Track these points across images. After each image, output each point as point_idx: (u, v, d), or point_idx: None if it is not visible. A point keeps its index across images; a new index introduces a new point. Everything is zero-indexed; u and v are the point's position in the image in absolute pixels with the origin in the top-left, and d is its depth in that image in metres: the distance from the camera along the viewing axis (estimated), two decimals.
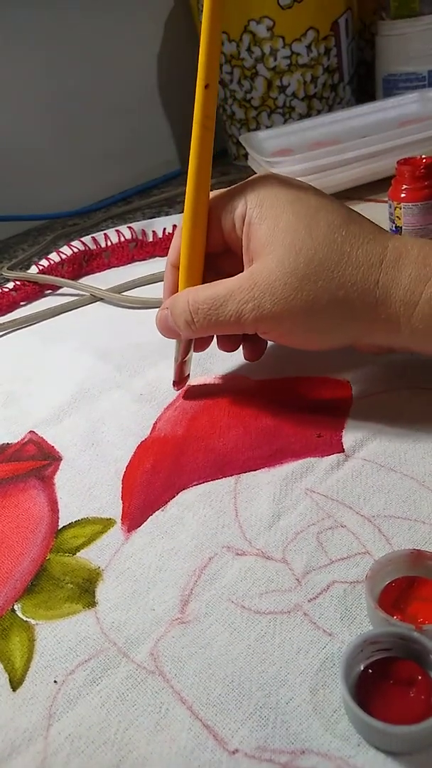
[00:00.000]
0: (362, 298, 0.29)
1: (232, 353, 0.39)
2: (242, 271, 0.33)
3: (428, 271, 0.28)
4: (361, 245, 0.29)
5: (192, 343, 0.37)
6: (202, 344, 0.38)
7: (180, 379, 0.38)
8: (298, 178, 0.64)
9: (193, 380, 0.39)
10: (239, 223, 0.32)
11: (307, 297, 0.29)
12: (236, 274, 0.35)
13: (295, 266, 0.30)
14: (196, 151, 0.32)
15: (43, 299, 0.57)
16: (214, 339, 0.38)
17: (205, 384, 0.39)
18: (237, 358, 0.40)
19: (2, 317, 0.54)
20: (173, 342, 0.36)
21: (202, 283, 0.34)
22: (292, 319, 0.30)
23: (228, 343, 0.38)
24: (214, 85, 0.31)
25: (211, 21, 0.30)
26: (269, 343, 0.39)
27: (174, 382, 0.38)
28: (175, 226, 0.63)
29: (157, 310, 0.36)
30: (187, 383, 0.38)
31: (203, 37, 0.30)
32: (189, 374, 0.38)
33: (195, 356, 0.41)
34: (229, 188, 0.34)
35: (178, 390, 0.38)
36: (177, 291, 0.35)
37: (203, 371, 0.40)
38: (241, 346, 0.38)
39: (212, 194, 0.34)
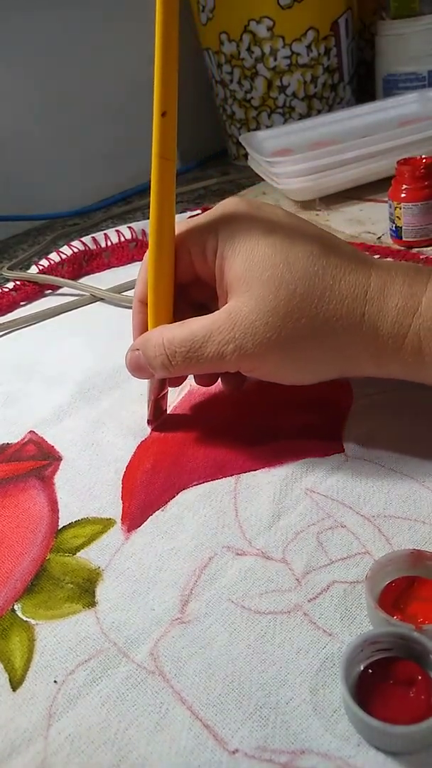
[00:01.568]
0: (348, 332, 0.28)
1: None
2: (214, 298, 0.32)
3: (415, 302, 0.27)
4: (344, 276, 0.28)
5: (166, 380, 0.35)
6: (177, 380, 0.37)
7: (155, 416, 0.36)
8: (298, 179, 0.65)
9: (193, 380, 0.39)
10: (211, 256, 0.31)
11: (290, 336, 0.28)
12: (207, 302, 0.33)
13: (275, 304, 0.28)
14: (156, 184, 0.30)
15: (43, 299, 0.57)
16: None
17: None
18: None
19: (2, 317, 0.54)
20: None
21: (173, 314, 0.33)
22: (276, 358, 0.29)
23: (205, 379, 0.36)
24: (172, 112, 0.29)
25: (164, 44, 0.28)
26: None
27: (148, 420, 0.36)
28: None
29: None
30: (164, 416, 0.37)
31: (156, 61, 0.28)
32: (166, 409, 0.37)
33: None
34: (197, 218, 0.32)
35: (153, 429, 0.36)
36: (146, 329, 0.33)
37: None
38: (219, 380, 0.37)
39: (181, 224, 0.32)
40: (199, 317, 0.30)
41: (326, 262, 0.28)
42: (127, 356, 0.34)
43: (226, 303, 0.30)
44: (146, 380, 0.35)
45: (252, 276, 0.29)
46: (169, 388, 0.37)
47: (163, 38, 0.28)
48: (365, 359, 0.29)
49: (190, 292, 0.34)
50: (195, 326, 0.30)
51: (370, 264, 0.29)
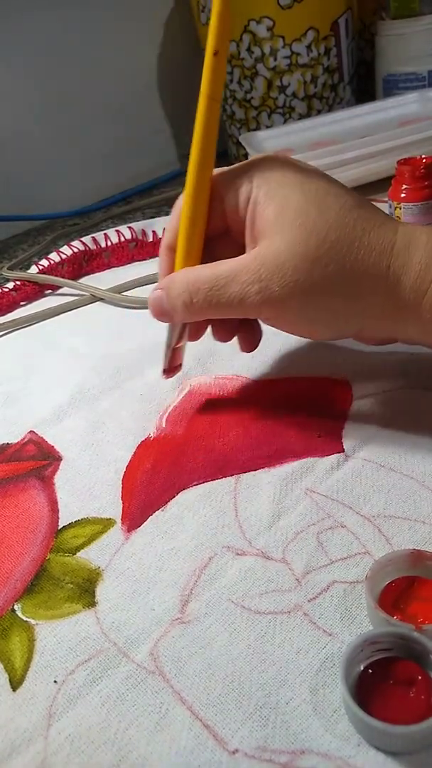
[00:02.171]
0: (373, 283, 0.28)
1: (231, 355, 0.39)
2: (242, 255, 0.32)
3: None
4: (373, 228, 0.28)
5: (186, 328, 0.35)
6: (196, 332, 0.36)
7: (171, 367, 0.36)
8: None
9: (193, 380, 0.39)
10: (243, 202, 0.31)
11: (317, 281, 0.28)
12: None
13: (306, 248, 0.28)
14: (201, 124, 0.30)
15: (43, 299, 0.57)
16: (208, 329, 0.37)
17: (205, 384, 0.39)
18: (237, 358, 0.40)
19: (2, 317, 0.54)
20: None
21: (200, 258, 0.33)
22: (299, 304, 0.29)
23: (223, 332, 0.36)
24: (223, 52, 0.29)
25: None
26: (269, 341, 0.38)
27: (164, 369, 0.36)
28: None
29: None
30: (179, 372, 0.37)
31: (214, 4, 0.29)
32: (182, 363, 0.37)
33: (195, 356, 0.41)
34: (231, 167, 0.32)
35: (167, 378, 0.37)
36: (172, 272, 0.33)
37: (203, 371, 0.40)
38: (236, 338, 0.37)
39: (214, 172, 0.32)
40: (227, 260, 0.30)
41: (357, 215, 0.29)
42: (151, 296, 0.33)
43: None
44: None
45: (284, 221, 0.29)
46: (182, 359, 0.37)
47: None
48: (385, 313, 0.29)
49: (216, 248, 0.34)
50: (222, 266, 0.30)
51: (397, 222, 0.30)
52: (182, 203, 0.32)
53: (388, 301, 0.28)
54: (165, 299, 0.32)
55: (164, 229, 0.34)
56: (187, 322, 0.34)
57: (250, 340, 0.37)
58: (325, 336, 0.31)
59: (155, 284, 0.33)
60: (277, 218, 0.29)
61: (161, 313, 0.33)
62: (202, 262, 0.33)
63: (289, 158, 0.32)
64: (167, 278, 0.33)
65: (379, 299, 0.29)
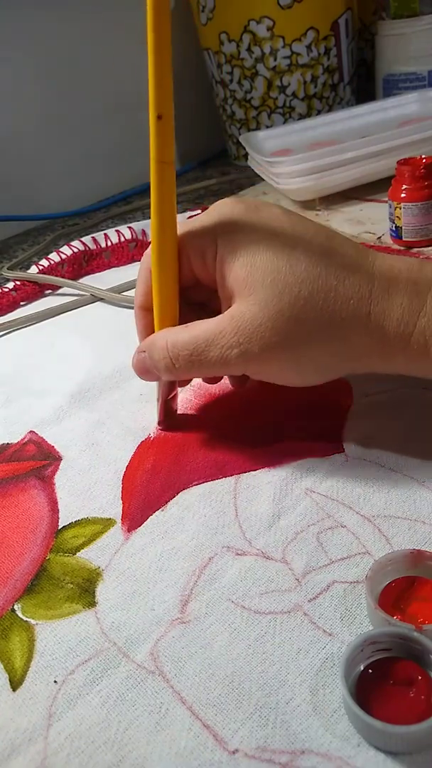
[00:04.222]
0: (354, 332, 0.28)
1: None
2: (215, 299, 0.32)
3: (419, 301, 0.27)
4: (347, 276, 0.28)
5: (176, 382, 0.35)
6: (185, 380, 0.37)
7: (166, 416, 0.35)
8: (298, 179, 0.65)
9: (193, 380, 0.39)
10: (210, 261, 0.30)
11: (296, 338, 0.28)
12: (208, 302, 0.33)
13: (279, 308, 0.28)
14: (156, 189, 0.30)
15: (43, 299, 0.57)
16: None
17: (206, 384, 0.39)
18: None
19: (2, 317, 0.54)
20: None
21: (178, 317, 0.33)
22: (282, 362, 0.29)
23: (211, 378, 0.37)
24: (168, 114, 0.28)
25: (157, 44, 0.27)
26: None
27: (159, 421, 0.35)
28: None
29: None
30: (175, 419, 0.36)
31: (150, 62, 0.27)
32: (177, 409, 0.36)
33: None
34: (194, 223, 0.31)
35: (164, 429, 0.36)
36: (151, 332, 0.33)
37: None
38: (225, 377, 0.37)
39: (179, 227, 0.32)
40: (204, 320, 0.30)
41: (329, 263, 0.28)
42: (134, 359, 0.34)
43: (230, 306, 0.30)
44: (153, 382, 0.34)
45: (254, 280, 0.28)
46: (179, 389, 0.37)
47: (155, 41, 0.27)
48: (372, 358, 0.29)
49: (191, 293, 0.34)
50: (198, 330, 0.30)
51: (372, 260, 0.29)
52: (151, 269, 0.31)
53: (374, 347, 0.28)
54: (148, 361, 0.32)
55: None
56: (173, 380, 0.34)
57: (239, 380, 0.36)
58: (315, 383, 0.31)
59: (134, 346, 0.34)
60: (247, 278, 0.29)
61: (146, 374, 0.33)
62: (180, 310, 0.32)
63: (251, 205, 0.31)
64: (148, 340, 0.32)
65: (364, 346, 0.28)
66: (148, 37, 0.27)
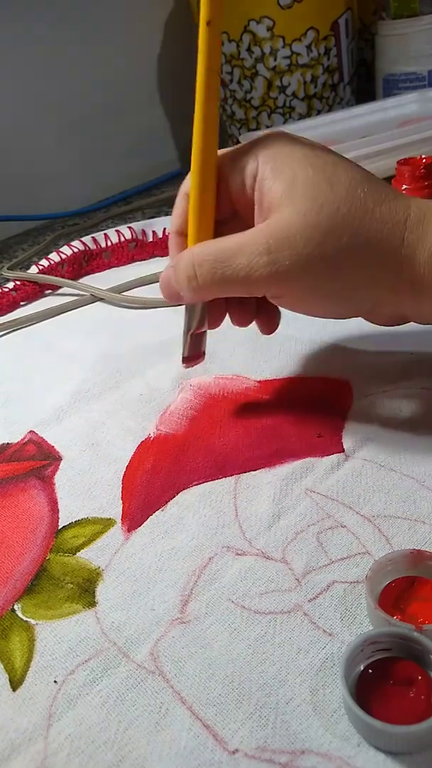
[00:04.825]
0: (388, 256, 0.27)
1: (231, 355, 0.38)
2: None
3: None
4: (385, 201, 0.28)
5: (205, 312, 0.33)
6: (214, 319, 0.35)
7: (191, 354, 0.34)
8: None
9: (193, 380, 0.39)
10: (250, 181, 0.30)
11: (330, 254, 0.27)
12: None
13: (317, 220, 0.27)
14: (202, 98, 0.29)
15: (43, 299, 0.57)
16: (226, 319, 0.35)
17: (205, 384, 0.39)
18: (237, 358, 0.40)
19: (2, 317, 0.54)
20: (174, 342, 0.36)
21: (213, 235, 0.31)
22: (311, 279, 0.28)
23: (241, 316, 0.35)
24: (216, 21, 0.28)
25: None
26: (269, 341, 0.38)
27: (184, 357, 0.34)
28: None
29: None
30: (202, 362, 0.35)
31: None
32: (204, 351, 0.35)
33: None
34: (236, 146, 0.31)
35: (187, 367, 0.35)
36: None
37: (203, 371, 0.40)
38: (254, 322, 0.35)
39: (218, 153, 0.31)
40: (234, 234, 0.29)
41: (368, 187, 0.28)
42: (161, 276, 0.32)
43: None
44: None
45: (294, 195, 0.28)
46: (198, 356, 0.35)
47: None
48: (399, 288, 0.28)
49: (226, 232, 0.32)
50: (227, 240, 0.29)
51: (409, 197, 0.29)
52: (190, 186, 0.31)
53: (402, 275, 0.28)
54: (173, 277, 0.31)
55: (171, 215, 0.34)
56: (195, 301, 0.33)
57: (269, 322, 0.35)
58: (336, 313, 0.30)
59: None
60: (286, 192, 0.28)
61: (169, 292, 0.32)
62: None
63: (294, 135, 0.31)
64: (178, 255, 0.31)
65: (393, 273, 0.28)
66: None
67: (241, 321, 0.35)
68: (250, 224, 0.30)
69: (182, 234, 0.32)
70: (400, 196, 0.28)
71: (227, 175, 0.31)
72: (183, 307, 0.34)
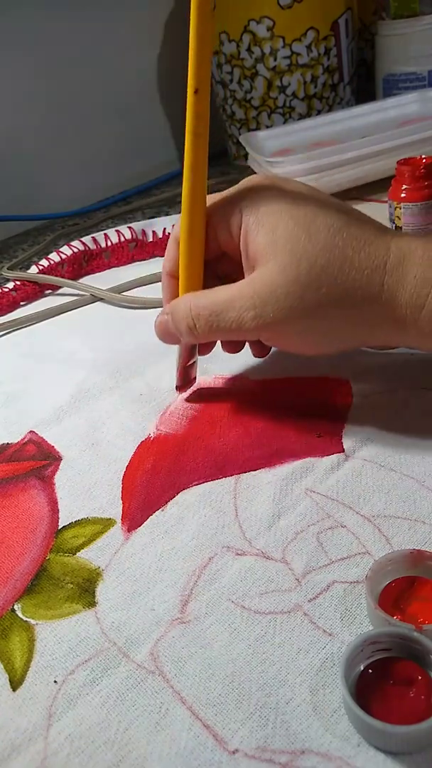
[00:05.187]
0: (368, 302, 0.29)
1: (231, 356, 0.39)
2: (240, 273, 0.33)
3: None
4: (363, 248, 0.29)
5: (196, 347, 0.36)
6: (205, 348, 0.38)
7: (184, 383, 0.37)
8: (298, 179, 0.65)
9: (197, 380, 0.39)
10: (236, 230, 0.32)
11: (310, 305, 0.29)
12: (234, 275, 0.34)
13: (296, 274, 0.29)
14: (190, 160, 0.31)
15: (43, 299, 0.57)
16: (218, 342, 0.38)
17: (205, 384, 0.39)
18: (237, 358, 0.40)
19: (2, 317, 0.54)
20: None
21: (202, 283, 0.34)
22: (296, 327, 0.30)
23: (231, 346, 0.38)
24: (204, 89, 0.30)
25: (200, 19, 0.28)
26: None
27: (177, 386, 0.37)
28: (169, 233, 0.63)
29: (157, 309, 0.36)
30: (193, 387, 0.38)
31: (191, 37, 0.29)
32: (195, 377, 0.38)
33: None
34: (222, 195, 0.33)
35: (180, 393, 0.38)
36: (176, 297, 0.34)
37: (203, 371, 0.40)
38: (247, 345, 0.38)
39: (207, 201, 0.33)
40: (225, 286, 0.31)
41: (347, 234, 0.29)
42: (157, 320, 0.35)
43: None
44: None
45: (275, 248, 0.30)
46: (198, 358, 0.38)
47: (198, 14, 0.28)
48: (384, 329, 0.29)
49: (217, 266, 0.35)
50: (220, 293, 0.31)
51: (390, 236, 0.30)
52: (180, 236, 0.33)
53: (386, 316, 0.29)
54: (170, 323, 0.34)
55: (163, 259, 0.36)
56: (193, 343, 0.35)
57: (261, 348, 0.38)
58: (328, 352, 0.32)
59: (159, 310, 0.35)
60: (267, 245, 0.30)
61: (168, 336, 0.35)
62: (205, 282, 0.34)
63: (280, 180, 0.32)
64: (172, 303, 0.34)
65: (376, 317, 0.29)
66: (192, 11, 0.28)
67: (231, 349, 0.38)
68: (237, 261, 0.33)
69: (173, 275, 0.35)
70: (381, 238, 0.29)
71: (215, 226, 0.33)
72: None
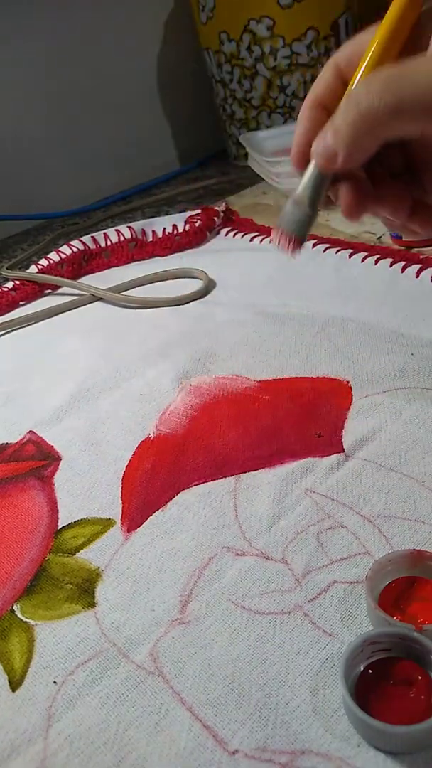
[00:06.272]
0: None
1: (231, 356, 0.37)
2: (427, 168, 0.27)
3: None
4: None
5: (327, 183, 0.28)
6: (356, 205, 0.28)
7: (300, 233, 0.28)
8: (298, 179, 0.64)
9: (193, 380, 0.39)
10: None
11: None
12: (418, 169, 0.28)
13: None
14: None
15: (42, 299, 0.57)
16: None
17: (205, 384, 0.39)
18: (237, 358, 0.40)
19: (2, 317, 0.54)
20: (174, 342, 0.36)
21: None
22: None
23: (399, 205, 0.28)
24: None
25: None
26: (268, 341, 0.38)
27: (295, 239, 0.28)
28: (168, 233, 0.63)
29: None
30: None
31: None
32: (305, 239, 0.28)
33: (195, 357, 0.41)
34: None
35: (291, 254, 0.28)
36: (314, 135, 0.27)
37: (203, 371, 0.40)
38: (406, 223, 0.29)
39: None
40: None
41: None
42: (317, 139, 0.28)
43: None
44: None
45: None
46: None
47: None
48: None
49: (387, 156, 0.28)
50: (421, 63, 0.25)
51: None
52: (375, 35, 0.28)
53: None
54: (329, 137, 0.27)
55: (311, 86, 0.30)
56: (353, 150, 0.27)
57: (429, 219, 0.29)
58: None
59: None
60: None
61: (327, 152, 0.27)
62: (373, 174, 0.28)
63: None
64: (366, 79, 0.27)
65: None
66: None
67: (400, 211, 0.28)
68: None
69: (321, 105, 0.28)
70: None
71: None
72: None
